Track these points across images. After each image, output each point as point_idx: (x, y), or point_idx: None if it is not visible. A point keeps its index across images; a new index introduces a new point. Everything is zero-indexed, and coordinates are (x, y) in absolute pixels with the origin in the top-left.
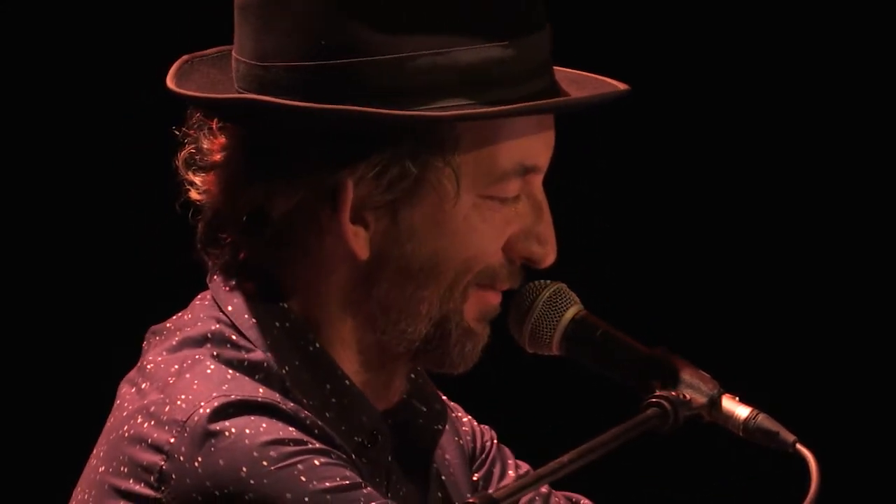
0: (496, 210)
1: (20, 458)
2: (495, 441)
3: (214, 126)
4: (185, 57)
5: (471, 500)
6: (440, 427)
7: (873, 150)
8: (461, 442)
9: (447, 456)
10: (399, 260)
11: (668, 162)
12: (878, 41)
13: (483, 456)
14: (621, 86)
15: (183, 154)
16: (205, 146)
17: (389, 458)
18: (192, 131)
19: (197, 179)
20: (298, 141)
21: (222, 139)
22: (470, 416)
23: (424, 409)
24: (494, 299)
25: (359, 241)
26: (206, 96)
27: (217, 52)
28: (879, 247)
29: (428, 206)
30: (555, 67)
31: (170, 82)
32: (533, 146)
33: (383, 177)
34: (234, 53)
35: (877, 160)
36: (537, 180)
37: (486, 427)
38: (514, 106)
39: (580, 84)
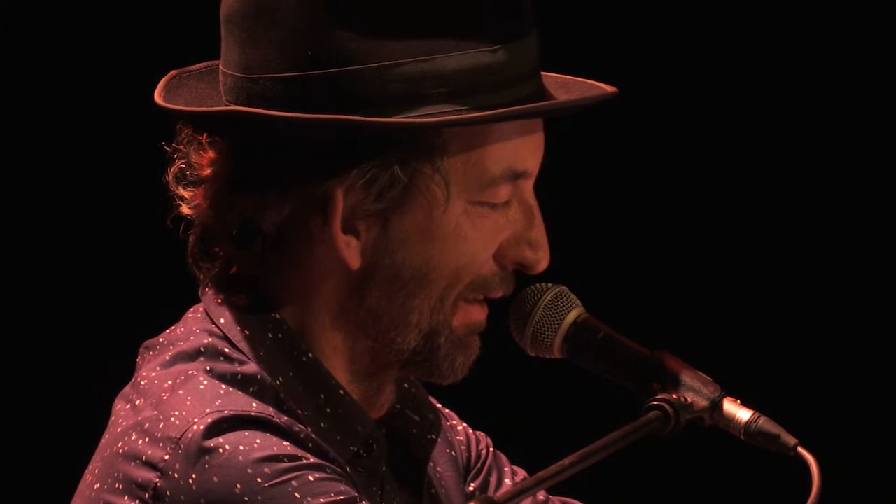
0: (486, 216)
1: (15, 472)
2: (491, 449)
3: (204, 140)
4: (172, 72)
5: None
6: (433, 437)
7: (872, 150)
8: (454, 454)
9: (439, 469)
10: (390, 269)
11: (669, 164)
12: (877, 40)
13: (479, 465)
14: (609, 88)
15: (173, 169)
16: (194, 161)
17: (384, 469)
18: (181, 146)
19: (187, 194)
20: (287, 152)
21: (212, 153)
22: (465, 424)
23: (417, 419)
24: (480, 314)
25: (350, 251)
26: (193, 110)
27: (205, 67)
28: (879, 247)
29: (418, 213)
30: (543, 73)
31: (158, 97)
32: (522, 151)
33: (373, 185)
34: (220, 66)
35: (876, 160)
36: (528, 185)
37: (482, 434)
38: (500, 111)
39: (568, 88)
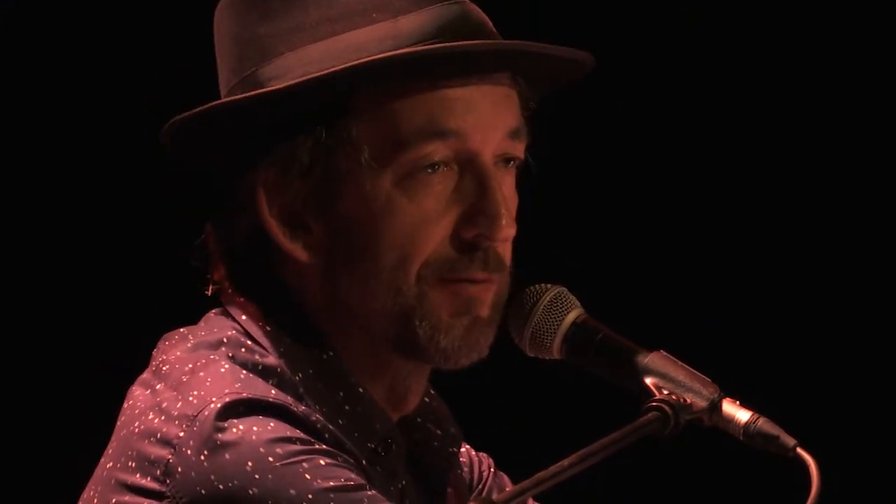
0: (421, 186)
1: (16, 473)
2: (493, 469)
3: None
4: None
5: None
6: (455, 450)
7: (872, 150)
8: (462, 473)
9: (448, 489)
10: (341, 255)
11: (668, 165)
12: (878, 40)
13: (480, 486)
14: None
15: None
16: None
17: (403, 483)
18: None
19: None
20: (215, 159)
21: None
22: (468, 446)
23: (439, 433)
24: (471, 290)
25: (296, 246)
26: (164, 145)
27: None
28: (879, 248)
29: (349, 193)
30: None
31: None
32: (443, 107)
33: (289, 172)
34: None
35: (876, 160)
36: (476, 148)
37: (484, 455)
38: (378, 57)
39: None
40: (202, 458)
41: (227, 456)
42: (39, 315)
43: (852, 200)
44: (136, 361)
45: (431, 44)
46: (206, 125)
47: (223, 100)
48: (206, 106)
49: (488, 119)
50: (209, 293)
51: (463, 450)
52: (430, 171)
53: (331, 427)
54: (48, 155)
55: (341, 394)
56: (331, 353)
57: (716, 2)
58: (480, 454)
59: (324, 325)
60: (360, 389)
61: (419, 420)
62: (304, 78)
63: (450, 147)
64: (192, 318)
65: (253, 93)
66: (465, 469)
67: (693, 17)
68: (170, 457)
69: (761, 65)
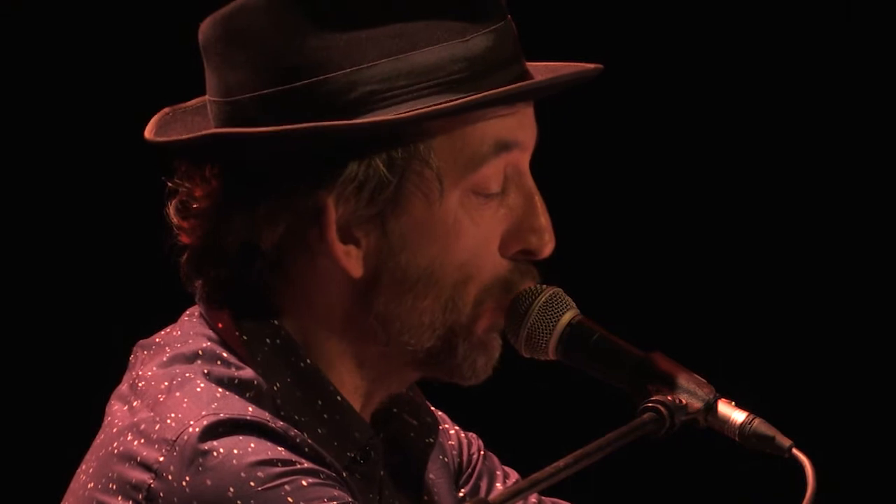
0: (483, 207)
1: (10, 472)
2: (482, 452)
3: (207, 174)
4: (165, 109)
5: None
6: (431, 440)
7: (871, 149)
8: (447, 460)
9: (431, 476)
10: (395, 272)
11: (665, 165)
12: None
13: (469, 470)
14: (590, 66)
15: (173, 203)
16: (196, 194)
17: (382, 473)
18: (185, 182)
19: (186, 224)
20: (273, 168)
21: (213, 184)
22: (457, 428)
23: (415, 423)
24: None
25: (351, 260)
26: (174, 139)
27: (200, 102)
28: (877, 247)
29: (415, 212)
30: (538, 63)
31: (147, 133)
32: (508, 123)
33: (363, 190)
34: (207, 97)
35: (875, 160)
36: (523, 165)
37: (474, 436)
38: (471, 98)
39: (556, 71)
40: (184, 483)
41: (208, 482)
42: (23, 315)
43: (849, 201)
44: (112, 361)
45: (506, 72)
46: (280, 143)
47: (314, 124)
48: (290, 127)
49: (533, 136)
50: (198, 299)
51: (452, 432)
52: (488, 198)
53: (309, 441)
54: (29, 156)
55: (320, 402)
56: (308, 362)
57: (717, 3)
58: (470, 435)
59: (320, 332)
60: (339, 398)
61: (395, 411)
62: (415, 113)
63: (507, 160)
64: (169, 318)
65: (360, 121)
66: (454, 453)
67: (696, 20)
68: (151, 481)
69: (758, 66)
